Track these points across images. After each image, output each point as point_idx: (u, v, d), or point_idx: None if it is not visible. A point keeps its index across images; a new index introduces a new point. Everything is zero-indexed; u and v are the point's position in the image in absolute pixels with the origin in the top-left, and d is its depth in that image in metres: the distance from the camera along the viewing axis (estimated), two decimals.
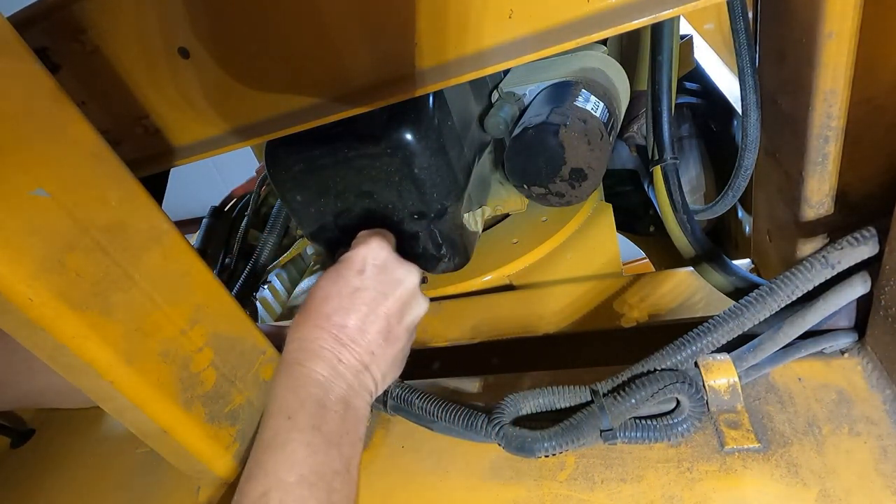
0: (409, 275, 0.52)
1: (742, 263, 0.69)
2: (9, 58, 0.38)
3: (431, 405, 0.50)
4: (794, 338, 0.46)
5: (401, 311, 0.51)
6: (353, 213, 0.64)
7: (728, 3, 0.49)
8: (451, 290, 0.80)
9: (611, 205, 0.85)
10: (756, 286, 0.45)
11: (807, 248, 0.51)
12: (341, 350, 0.47)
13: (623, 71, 0.67)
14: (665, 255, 1.20)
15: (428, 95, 0.56)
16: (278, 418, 0.43)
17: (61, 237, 0.40)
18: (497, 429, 0.46)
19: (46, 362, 0.43)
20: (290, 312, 1.00)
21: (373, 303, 0.49)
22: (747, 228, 0.96)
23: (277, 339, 0.60)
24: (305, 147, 0.59)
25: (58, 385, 0.57)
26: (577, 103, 0.57)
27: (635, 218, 1.15)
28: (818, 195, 0.47)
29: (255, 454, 0.43)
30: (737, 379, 0.44)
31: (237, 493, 0.41)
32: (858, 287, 0.43)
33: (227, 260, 1.02)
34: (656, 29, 0.55)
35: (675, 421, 0.44)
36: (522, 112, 0.63)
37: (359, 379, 0.47)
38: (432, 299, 0.80)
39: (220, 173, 3.34)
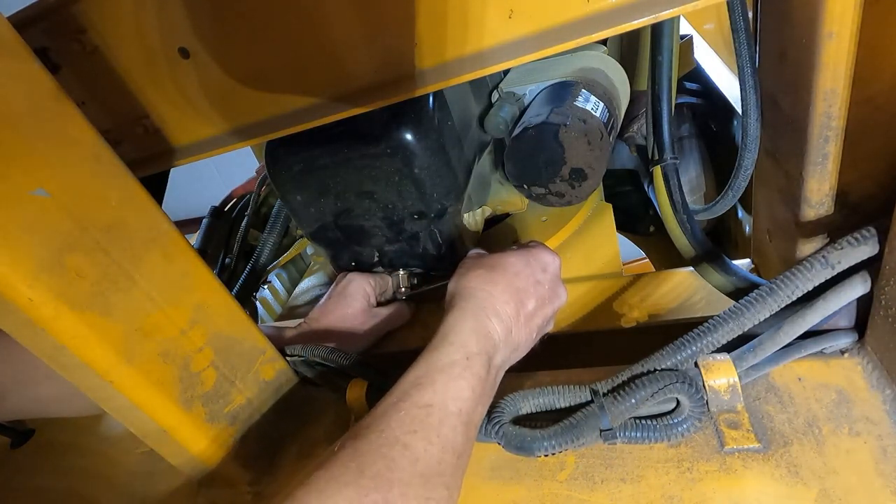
0: (564, 294, 0.56)
1: (742, 263, 0.69)
2: (9, 58, 0.38)
3: None
4: (794, 338, 0.46)
5: (550, 320, 0.55)
6: (353, 213, 0.64)
7: (728, 3, 0.48)
8: None
9: (611, 205, 0.85)
10: (756, 286, 0.45)
11: (807, 248, 0.51)
12: (515, 324, 0.49)
13: (623, 71, 0.67)
14: (665, 255, 1.20)
15: (428, 95, 0.56)
16: (459, 353, 0.45)
17: (61, 237, 0.40)
18: (497, 428, 0.46)
19: (46, 362, 0.43)
20: (290, 312, 1.00)
21: (543, 300, 0.52)
22: (747, 228, 0.96)
23: (277, 341, 0.60)
24: (305, 147, 0.59)
25: (59, 394, 0.57)
26: (577, 103, 0.57)
27: (635, 218, 1.15)
28: (818, 195, 0.47)
29: (426, 368, 0.44)
30: (737, 379, 0.44)
31: (397, 390, 0.42)
32: (858, 287, 0.43)
33: (227, 260, 1.02)
34: (656, 29, 0.55)
35: (675, 421, 0.44)
36: (522, 112, 0.63)
37: (510, 357, 0.50)
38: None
39: (220, 173, 3.34)
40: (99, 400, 0.46)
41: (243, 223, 1.03)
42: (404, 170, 0.57)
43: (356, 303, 0.68)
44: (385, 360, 0.68)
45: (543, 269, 0.54)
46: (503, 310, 0.49)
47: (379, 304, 0.71)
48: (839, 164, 0.45)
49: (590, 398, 0.46)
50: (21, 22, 0.53)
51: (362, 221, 0.65)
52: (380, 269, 0.72)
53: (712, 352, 0.45)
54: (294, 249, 1.09)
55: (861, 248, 0.42)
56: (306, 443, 0.58)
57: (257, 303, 1.06)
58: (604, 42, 0.72)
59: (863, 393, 0.44)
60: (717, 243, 0.69)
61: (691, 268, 0.61)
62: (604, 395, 0.45)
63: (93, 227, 0.42)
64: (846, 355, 0.47)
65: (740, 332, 0.45)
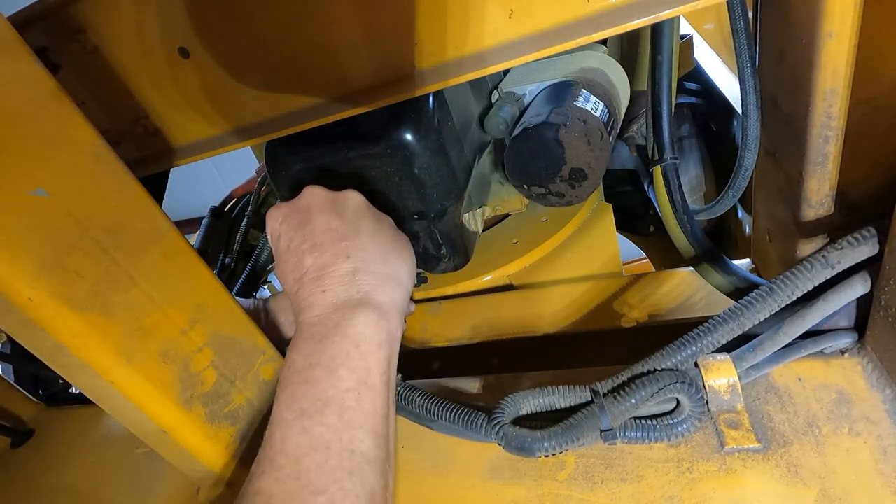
0: (306, 191, 0.51)
1: (742, 263, 0.69)
2: (9, 58, 0.38)
3: (432, 404, 0.50)
4: (794, 338, 0.46)
5: (329, 212, 0.49)
6: None
7: (728, 3, 0.48)
8: (451, 290, 0.80)
9: (611, 205, 0.85)
10: (756, 286, 0.45)
11: (807, 248, 0.51)
12: (318, 284, 0.46)
13: (623, 71, 0.67)
14: (665, 255, 1.20)
15: (428, 95, 0.56)
16: (281, 372, 0.43)
17: (61, 237, 0.40)
18: (497, 428, 0.46)
19: (46, 362, 0.43)
20: None
21: (302, 238, 0.48)
22: (747, 228, 0.96)
23: (256, 313, 0.60)
24: (305, 147, 0.59)
25: None
26: (577, 103, 0.57)
27: (635, 218, 1.15)
28: (818, 195, 0.47)
29: None
30: (737, 379, 0.44)
31: None
32: (858, 287, 0.43)
33: (227, 260, 1.02)
34: (656, 29, 0.55)
35: (675, 421, 0.44)
36: (522, 112, 0.63)
37: (356, 286, 0.46)
38: (432, 299, 0.80)
39: (220, 173, 3.34)
40: (99, 400, 0.46)
41: (243, 223, 1.03)
42: (404, 170, 0.57)
43: None
44: None
45: (277, 238, 0.51)
46: (302, 298, 0.46)
47: None
48: (839, 164, 0.45)
49: (590, 398, 0.46)
50: (21, 22, 0.53)
51: None
52: None
53: (712, 352, 0.45)
54: None
55: (861, 248, 0.42)
56: None
57: None
58: (604, 42, 0.72)
59: (863, 393, 0.44)
60: (717, 243, 0.69)
61: (691, 268, 0.61)
62: (604, 395, 0.45)
63: (93, 227, 0.42)
64: (846, 355, 0.47)
65: (740, 332, 0.45)
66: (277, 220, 0.51)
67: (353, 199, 0.51)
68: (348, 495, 0.37)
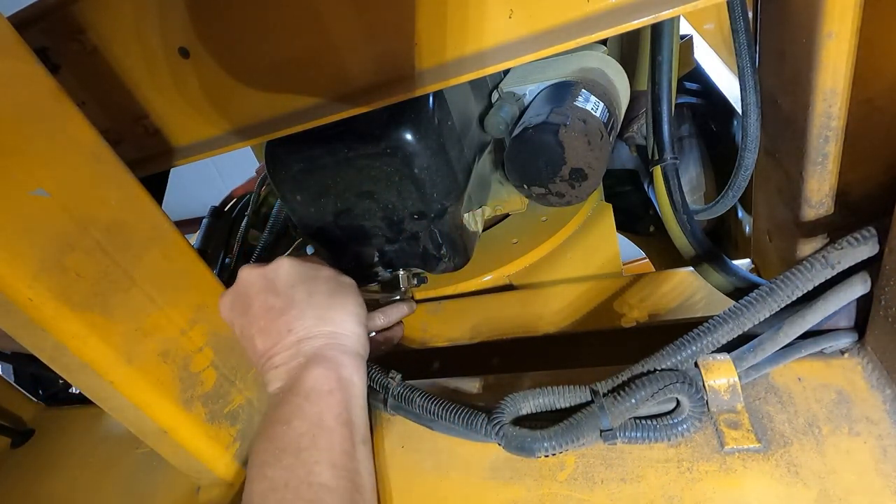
0: (241, 274, 0.54)
1: (742, 263, 0.69)
2: (9, 58, 0.38)
3: (432, 404, 0.50)
4: (794, 338, 0.46)
5: (264, 291, 0.52)
6: (353, 213, 0.64)
7: (728, 3, 0.48)
8: (451, 290, 0.81)
9: (611, 205, 0.85)
10: (756, 286, 0.45)
11: (807, 248, 0.51)
12: (270, 362, 0.50)
13: (623, 71, 0.67)
14: (665, 255, 1.20)
15: (428, 95, 0.56)
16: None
17: (61, 237, 0.40)
18: (497, 428, 0.46)
19: (46, 362, 0.43)
20: None
21: (248, 323, 0.52)
22: (747, 228, 0.96)
23: None
24: (305, 147, 0.59)
25: None
26: (577, 103, 0.57)
27: (635, 218, 1.15)
28: (818, 195, 0.47)
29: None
30: (737, 379, 0.44)
31: None
32: (858, 287, 0.43)
33: (227, 260, 1.02)
34: (656, 29, 0.55)
35: (675, 421, 0.44)
36: (522, 112, 0.63)
37: (302, 353, 0.49)
38: (432, 299, 0.80)
39: (220, 173, 3.34)
40: (99, 400, 0.46)
41: (243, 223, 1.03)
42: (404, 170, 0.57)
43: None
44: (384, 359, 0.68)
45: (231, 324, 0.54)
46: (264, 380, 0.50)
47: None
48: (839, 164, 0.45)
49: (590, 398, 0.46)
50: (21, 22, 0.53)
51: (362, 221, 0.65)
52: (380, 269, 0.72)
53: (712, 352, 0.45)
54: (293, 250, 1.09)
55: (861, 248, 0.42)
56: None
57: None
58: (604, 42, 0.72)
59: (863, 393, 0.44)
60: (717, 243, 0.69)
61: (691, 268, 0.61)
62: (604, 395, 0.45)
63: (93, 227, 0.42)
64: (846, 355, 0.47)
65: (740, 332, 0.45)
66: (226, 309, 0.54)
67: (283, 268, 0.54)
68: None
